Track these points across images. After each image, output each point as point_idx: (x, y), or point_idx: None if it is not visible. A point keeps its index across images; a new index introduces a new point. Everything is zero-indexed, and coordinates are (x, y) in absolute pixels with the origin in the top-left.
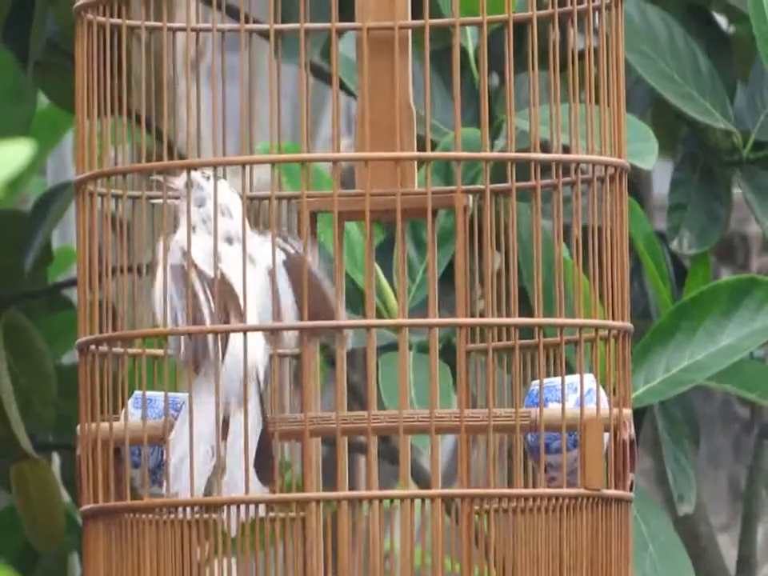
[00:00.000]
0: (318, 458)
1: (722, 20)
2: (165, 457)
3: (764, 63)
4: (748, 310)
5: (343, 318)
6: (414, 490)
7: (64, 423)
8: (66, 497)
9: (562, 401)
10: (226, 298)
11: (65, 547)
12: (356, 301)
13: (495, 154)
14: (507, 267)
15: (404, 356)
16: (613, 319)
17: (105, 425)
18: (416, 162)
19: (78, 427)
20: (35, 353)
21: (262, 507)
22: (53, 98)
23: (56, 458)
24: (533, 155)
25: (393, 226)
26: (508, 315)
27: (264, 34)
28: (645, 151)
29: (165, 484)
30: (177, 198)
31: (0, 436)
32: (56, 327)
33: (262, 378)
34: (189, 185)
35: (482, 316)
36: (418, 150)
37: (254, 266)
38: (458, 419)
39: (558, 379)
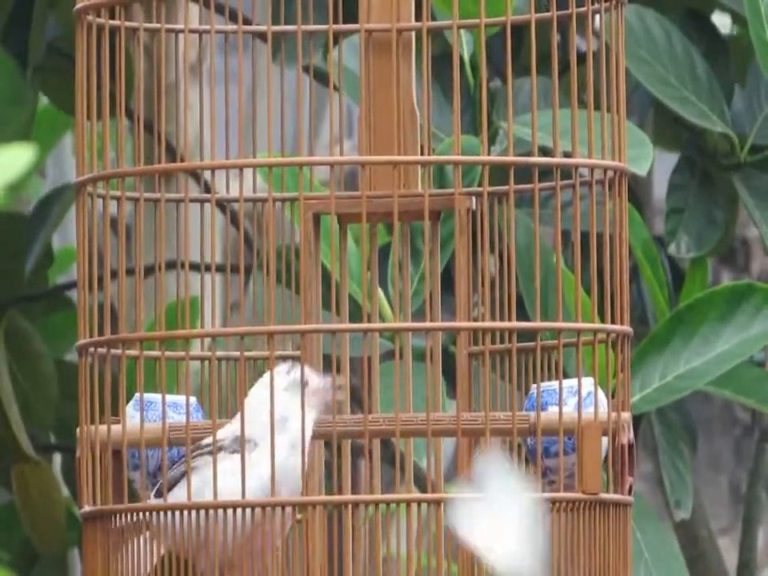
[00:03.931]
0: (321, 461)
1: (722, 22)
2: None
3: (761, 67)
4: (745, 315)
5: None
6: (415, 493)
7: (65, 421)
8: (66, 492)
9: (560, 405)
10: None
11: (65, 546)
12: (351, 311)
13: (495, 158)
14: (503, 271)
15: (407, 360)
16: (612, 323)
17: (104, 427)
18: (419, 165)
19: (78, 429)
20: (35, 355)
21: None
22: (54, 100)
23: (57, 457)
24: (532, 159)
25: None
26: (504, 319)
27: (264, 37)
28: (640, 157)
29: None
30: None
31: (0, 437)
32: (57, 326)
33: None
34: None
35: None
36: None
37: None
38: (455, 422)
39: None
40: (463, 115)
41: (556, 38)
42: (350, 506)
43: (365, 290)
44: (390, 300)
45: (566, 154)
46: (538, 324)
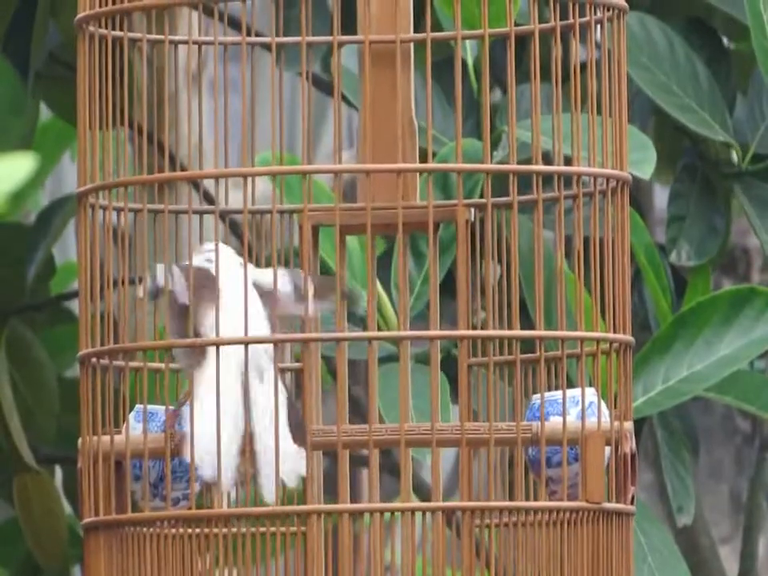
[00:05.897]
0: (320, 470)
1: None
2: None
3: (764, 76)
4: (747, 319)
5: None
6: (415, 502)
7: (66, 436)
8: (68, 509)
9: (563, 414)
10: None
11: (67, 560)
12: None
13: (496, 166)
14: (508, 279)
15: (405, 369)
16: (614, 332)
17: (106, 438)
18: (418, 174)
19: (80, 440)
20: (37, 365)
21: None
22: (56, 110)
23: (58, 471)
24: (534, 167)
25: (393, 238)
26: (508, 328)
27: (266, 45)
28: (643, 161)
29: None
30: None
31: (2, 448)
32: (59, 340)
33: (270, 353)
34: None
35: (482, 328)
36: (419, 161)
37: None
38: (459, 432)
39: (560, 392)
40: (467, 118)
41: (559, 48)
42: (349, 515)
43: (369, 298)
44: (394, 305)
45: (568, 158)
46: (539, 332)
